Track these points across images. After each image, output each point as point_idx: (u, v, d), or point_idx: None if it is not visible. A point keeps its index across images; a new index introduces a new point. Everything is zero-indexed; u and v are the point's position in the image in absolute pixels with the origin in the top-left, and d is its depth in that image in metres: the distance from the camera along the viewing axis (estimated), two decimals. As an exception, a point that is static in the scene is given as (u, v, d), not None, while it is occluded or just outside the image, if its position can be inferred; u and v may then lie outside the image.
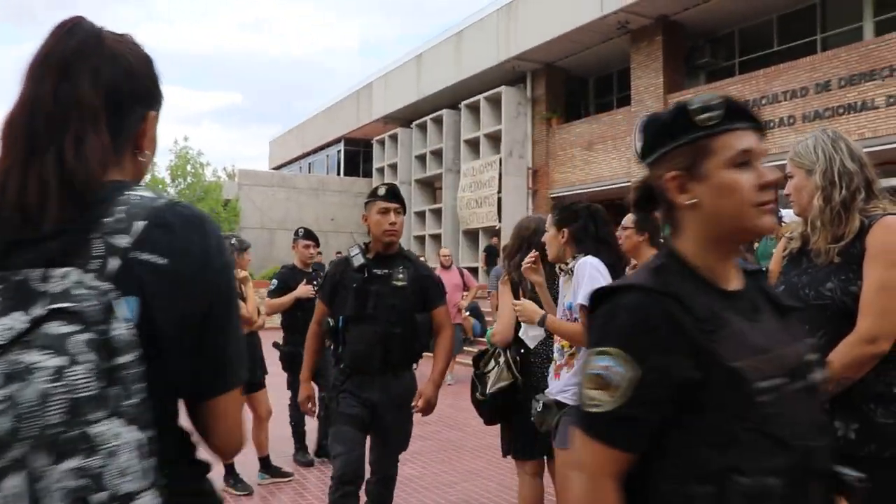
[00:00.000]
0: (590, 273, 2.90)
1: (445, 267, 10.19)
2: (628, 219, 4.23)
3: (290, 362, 5.64)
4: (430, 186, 22.40)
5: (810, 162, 2.23)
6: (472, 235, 19.68)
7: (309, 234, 6.15)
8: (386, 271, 3.44)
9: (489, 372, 3.60)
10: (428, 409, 3.53)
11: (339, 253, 21.62)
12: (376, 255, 3.49)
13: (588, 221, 3.16)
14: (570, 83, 18.89)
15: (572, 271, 3.05)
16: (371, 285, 3.39)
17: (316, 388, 4.40)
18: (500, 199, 18.20)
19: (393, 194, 3.50)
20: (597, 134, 16.95)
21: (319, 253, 24.27)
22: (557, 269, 3.24)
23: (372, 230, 3.49)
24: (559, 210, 3.27)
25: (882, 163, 5.50)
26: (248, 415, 5.31)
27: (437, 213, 21.29)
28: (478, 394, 3.62)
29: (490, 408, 3.60)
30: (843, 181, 2.16)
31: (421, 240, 21.69)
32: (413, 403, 3.50)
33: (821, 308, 2.13)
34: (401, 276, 3.43)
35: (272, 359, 5.76)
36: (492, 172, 18.50)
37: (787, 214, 8.31)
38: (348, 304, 3.40)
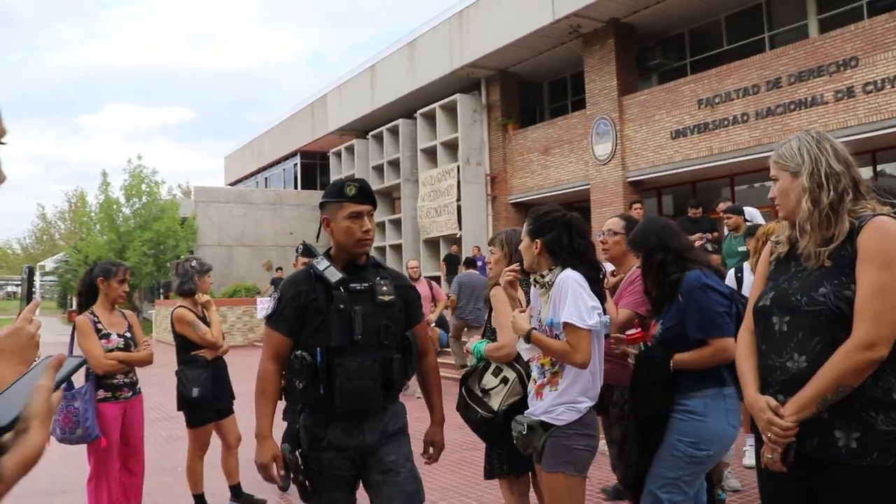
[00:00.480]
0: (573, 289, 2.78)
1: (414, 280, 10.04)
2: (616, 223, 3.92)
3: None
4: (389, 197, 22.25)
5: (795, 164, 2.17)
6: (432, 244, 19.60)
7: (308, 252, 5.73)
8: (366, 285, 2.80)
9: (493, 389, 3.35)
10: (438, 455, 3.14)
11: (279, 269, 20.83)
12: (346, 266, 2.84)
13: (562, 232, 2.97)
14: (525, 88, 18.98)
15: (549, 284, 2.93)
16: (354, 304, 2.74)
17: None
18: (459, 207, 18.19)
19: (365, 193, 2.82)
20: (553, 138, 17.04)
21: (279, 269, 23.18)
22: (532, 280, 3.09)
23: (339, 239, 2.82)
24: (533, 219, 3.07)
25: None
26: (216, 442, 5.13)
27: (397, 224, 21.18)
28: (483, 412, 3.32)
29: (502, 425, 3.26)
30: (830, 182, 2.10)
31: (381, 251, 21.52)
32: (424, 455, 3.08)
33: (814, 314, 2.07)
34: (385, 289, 2.83)
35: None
36: (450, 180, 18.47)
37: (751, 212, 8.43)
38: (334, 331, 2.69)
